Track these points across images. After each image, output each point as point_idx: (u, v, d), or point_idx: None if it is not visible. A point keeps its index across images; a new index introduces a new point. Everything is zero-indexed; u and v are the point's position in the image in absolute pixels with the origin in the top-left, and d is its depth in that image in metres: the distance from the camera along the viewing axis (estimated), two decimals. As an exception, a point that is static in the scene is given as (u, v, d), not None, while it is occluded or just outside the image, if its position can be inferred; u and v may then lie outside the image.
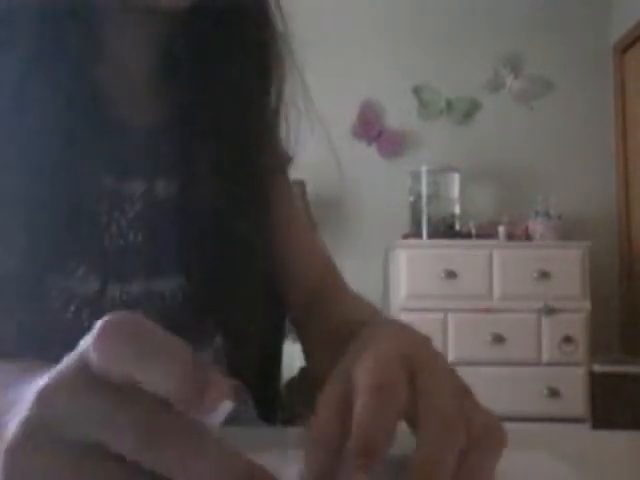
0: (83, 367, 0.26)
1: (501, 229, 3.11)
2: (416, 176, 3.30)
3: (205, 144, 0.62)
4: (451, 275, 2.96)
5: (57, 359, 0.27)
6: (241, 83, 0.63)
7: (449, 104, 3.53)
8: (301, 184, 2.97)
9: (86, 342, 0.26)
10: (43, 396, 0.25)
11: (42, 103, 0.53)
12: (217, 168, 0.62)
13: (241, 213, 0.62)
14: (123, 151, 0.60)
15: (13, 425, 0.25)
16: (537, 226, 3.14)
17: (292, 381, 0.92)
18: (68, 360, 0.26)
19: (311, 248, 0.74)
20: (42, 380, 0.26)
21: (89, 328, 0.26)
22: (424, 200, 3.23)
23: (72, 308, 0.56)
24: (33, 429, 0.25)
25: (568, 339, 2.91)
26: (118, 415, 0.24)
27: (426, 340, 0.38)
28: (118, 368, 0.25)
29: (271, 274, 0.68)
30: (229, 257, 0.62)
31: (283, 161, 0.73)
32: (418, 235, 3.19)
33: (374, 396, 0.31)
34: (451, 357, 2.89)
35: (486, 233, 3.16)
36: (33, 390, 0.26)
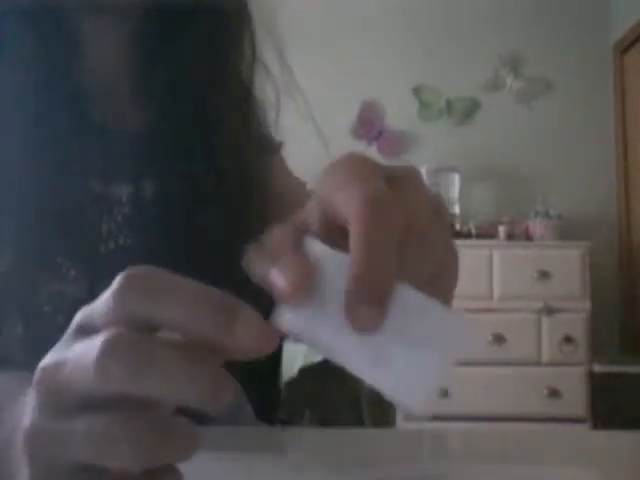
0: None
1: (501, 229, 3.11)
2: (416, 176, 3.30)
3: (186, 143, 0.62)
4: (451, 275, 2.96)
5: None
6: (216, 78, 0.64)
7: (449, 104, 3.52)
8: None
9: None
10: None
11: (26, 108, 0.53)
12: (201, 167, 0.62)
13: (227, 211, 0.63)
14: (109, 154, 0.60)
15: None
16: (537, 226, 3.14)
17: (292, 381, 0.92)
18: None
19: None
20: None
21: None
22: (424, 200, 3.23)
23: (63, 311, 0.56)
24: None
25: (568, 339, 2.91)
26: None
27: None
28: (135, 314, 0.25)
29: None
30: (219, 255, 0.62)
31: (272, 149, 0.73)
32: (418, 235, 3.18)
33: (371, 222, 0.26)
34: (451, 357, 2.89)
35: (486, 233, 3.16)
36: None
